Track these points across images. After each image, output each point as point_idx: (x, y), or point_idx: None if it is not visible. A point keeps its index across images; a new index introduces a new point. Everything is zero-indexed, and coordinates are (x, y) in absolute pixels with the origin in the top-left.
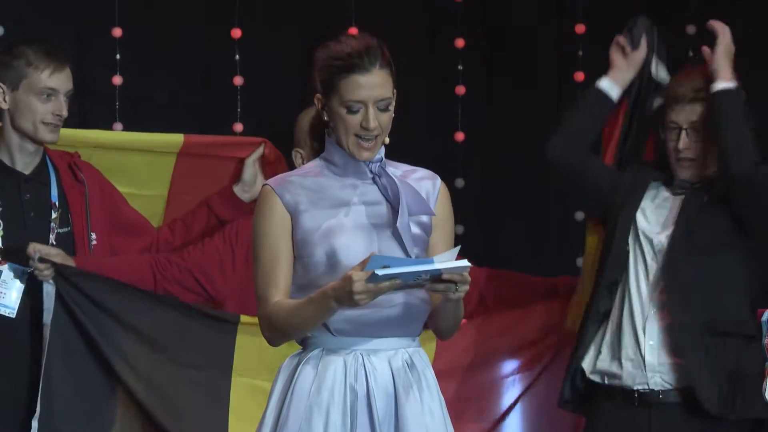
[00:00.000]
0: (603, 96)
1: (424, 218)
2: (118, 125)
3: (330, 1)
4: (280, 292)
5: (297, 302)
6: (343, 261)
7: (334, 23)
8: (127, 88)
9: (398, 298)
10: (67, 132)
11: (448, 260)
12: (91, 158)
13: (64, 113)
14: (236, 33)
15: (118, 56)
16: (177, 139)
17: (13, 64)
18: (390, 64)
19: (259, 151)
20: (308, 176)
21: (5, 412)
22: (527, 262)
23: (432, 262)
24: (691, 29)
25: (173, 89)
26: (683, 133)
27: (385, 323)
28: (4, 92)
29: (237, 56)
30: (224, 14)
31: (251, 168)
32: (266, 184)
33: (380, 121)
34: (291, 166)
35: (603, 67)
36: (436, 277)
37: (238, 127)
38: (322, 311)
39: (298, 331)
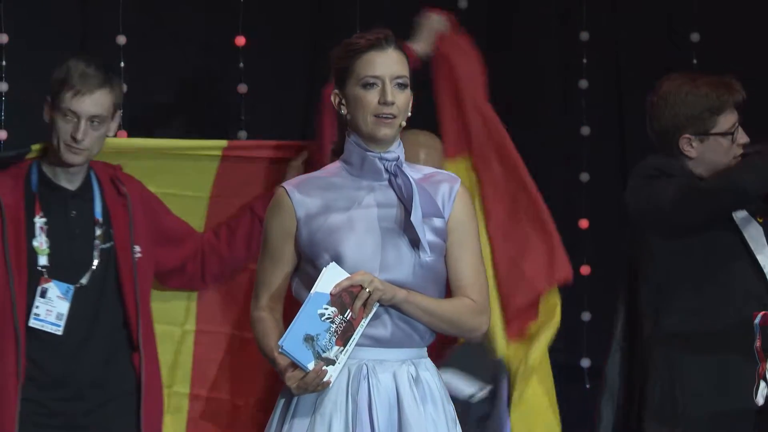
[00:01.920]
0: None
1: (439, 223)
2: (123, 133)
3: (334, 9)
4: (270, 296)
5: (268, 342)
6: (348, 265)
7: (339, 31)
8: (130, 95)
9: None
10: (110, 140)
11: (321, 279)
12: (136, 158)
13: (79, 137)
14: (240, 41)
15: (122, 64)
16: (220, 143)
17: (54, 78)
18: (406, 54)
19: (304, 155)
20: (324, 177)
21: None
22: None
23: (319, 292)
24: (695, 37)
25: (177, 97)
26: (739, 128)
27: (390, 335)
28: (50, 108)
29: (241, 64)
30: (228, 22)
31: (294, 171)
32: (281, 186)
33: (398, 100)
34: None
35: (606, 75)
36: (339, 300)
37: (242, 134)
38: (277, 372)
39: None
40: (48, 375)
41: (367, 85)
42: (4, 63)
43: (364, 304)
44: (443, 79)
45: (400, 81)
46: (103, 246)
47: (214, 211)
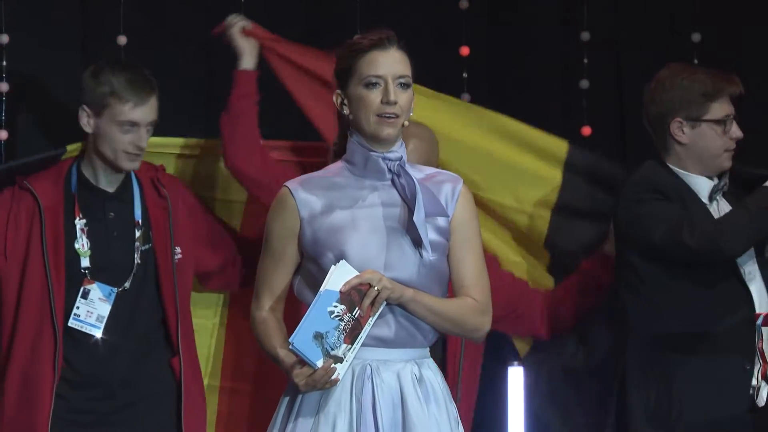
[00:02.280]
0: None
1: (442, 223)
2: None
3: (334, 7)
4: (272, 296)
5: (272, 342)
6: (352, 264)
7: (339, 29)
8: None
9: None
10: (154, 140)
11: (330, 276)
12: (176, 160)
13: (143, 145)
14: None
15: (125, 59)
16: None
17: (98, 90)
18: (408, 54)
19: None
20: (327, 176)
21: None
22: None
23: (329, 289)
24: (696, 37)
25: (178, 97)
26: (734, 122)
27: (394, 335)
28: (88, 116)
29: None
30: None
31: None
32: (285, 185)
33: (400, 100)
34: None
35: (608, 75)
36: (349, 298)
37: None
38: (280, 367)
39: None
40: (81, 375)
41: (369, 85)
42: (4, 63)
43: (372, 303)
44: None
45: (402, 81)
46: (143, 248)
47: (249, 214)
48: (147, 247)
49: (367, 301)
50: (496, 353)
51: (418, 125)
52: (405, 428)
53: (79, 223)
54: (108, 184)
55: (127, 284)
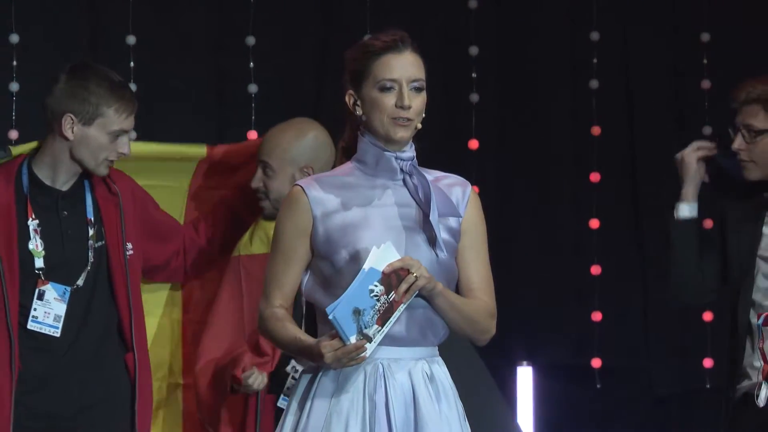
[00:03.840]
0: (687, 224)
1: (453, 224)
2: (132, 134)
3: (344, 8)
4: (283, 296)
5: (288, 330)
6: (365, 262)
7: (348, 30)
8: (141, 95)
9: (419, 307)
10: None
11: (374, 256)
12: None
13: (127, 151)
14: (250, 40)
15: (132, 63)
16: (200, 150)
17: (90, 100)
18: (422, 56)
19: None
20: (338, 176)
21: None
22: (541, 268)
23: (371, 269)
24: (705, 37)
25: (187, 96)
26: (739, 134)
27: (406, 333)
28: (73, 123)
29: (251, 63)
30: (238, 21)
31: None
32: (297, 184)
33: (414, 103)
34: None
35: (617, 75)
36: (388, 280)
37: (253, 134)
38: (303, 357)
39: (282, 349)
40: (38, 376)
41: (384, 89)
42: (14, 63)
43: (408, 289)
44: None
45: (416, 84)
46: (96, 245)
47: (193, 201)
48: (100, 244)
49: (404, 287)
50: (504, 353)
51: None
52: (417, 427)
53: (32, 223)
54: (63, 184)
55: (80, 282)
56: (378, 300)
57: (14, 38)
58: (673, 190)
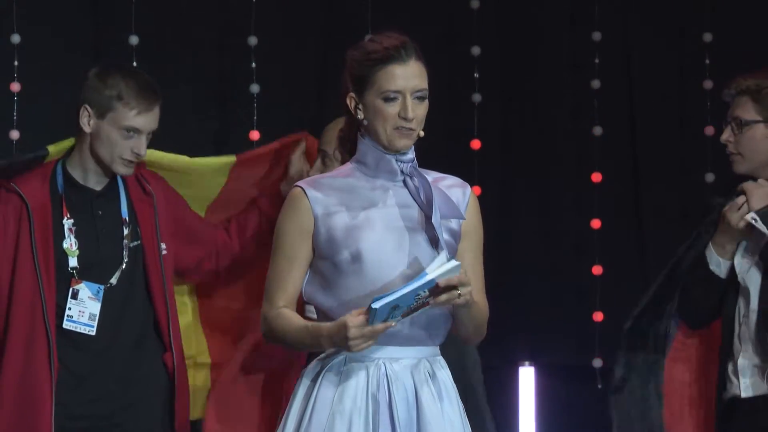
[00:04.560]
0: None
1: (454, 225)
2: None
3: (346, 7)
4: (287, 297)
5: (296, 324)
6: (368, 262)
7: (350, 30)
8: None
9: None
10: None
11: (438, 267)
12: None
13: (143, 152)
14: (252, 40)
15: (135, 64)
16: (229, 159)
17: (105, 93)
18: (424, 62)
19: (302, 146)
20: (339, 177)
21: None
22: (543, 269)
23: (425, 274)
24: (707, 37)
25: (189, 97)
26: (728, 126)
27: (408, 332)
28: (89, 116)
29: (253, 64)
30: (240, 21)
31: (297, 164)
32: (297, 185)
33: (417, 112)
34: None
35: (618, 76)
36: (435, 289)
37: (255, 134)
38: (314, 345)
39: (291, 347)
40: (75, 375)
41: (388, 99)
42: (16, 63)
43: (446, 301)
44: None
45: (419, 94)
46: (132, 244)
47: (222, 206)
48: (136, 243)
49: (444, 299)
50: (506, 353)
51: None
52: (420, 426)
53: (67, 222)
54: (96, 183)
55: (113, 280)
56: (417, 300)
57: (16, 38)
58: (673, 189)
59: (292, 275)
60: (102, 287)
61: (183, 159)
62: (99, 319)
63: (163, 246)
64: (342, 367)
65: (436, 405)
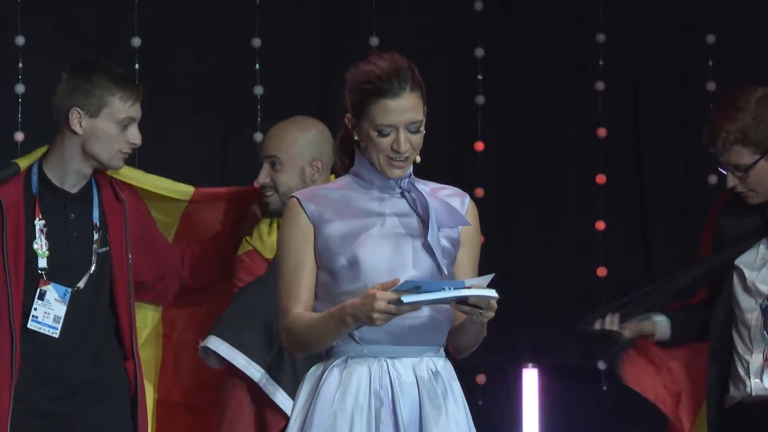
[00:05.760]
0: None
1: (453, 233)
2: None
3: (350, 10)
4: (301, 304)
5: (316, 316)
6: (365, 269)
7: (354, 32)
8: (146, 97)
9: (426, 311)
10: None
11: (479, 285)
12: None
13: (139, 141)
14: (256, 42)
15: (137, 65)
16: (189, 189)
17: (94, 92)
18: (421, 86)
19: (259, 199)
20: (335, 189)
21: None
22: (547, 270)
23: (462, 285)
24: (710, 39)
25: (192, 98)
26: (729, 174)
27: (409, 331)
28: (80, 118)
29: (257, 65)
30: (244, 23)
31: (252, 215)
32: (293, 196)
33: (411, 142)
34: None
35: (622, 77)
36: (462, 298)
37: (258, 136)
38: (339, 327)
39: (316, 345)
40: (39, 374)
41: (381, 133)
42: (20, 65)
43: (463, 311)
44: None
45: (413, 127)
46: (100, 250)
47: (179, 236)
48: (104, 249)
49: (466, 309)
50: (510, 355)
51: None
52: (423, 425)
53: (39, 223)
54: (72, 185)
55: (81, 284)
56: (440, 293)
57: (20, 40)
58: (677, 191)
59: (302, 284)
60: (69, 290)
61: (148, 177)
62: (63, 322)
63: (130, 256)
64: (344, 366)
65: (440, 403)
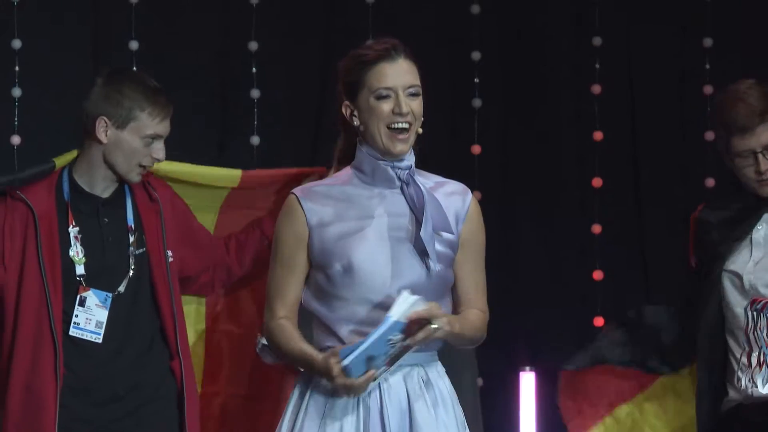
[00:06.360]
0: None
1: (449, 236)
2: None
3: (347, 12)
4: (286, 306)
5: (293, 344)
6: (360, 274)
7: (351, 35)
8: None
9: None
10: None
11: (400, 306)
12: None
13: (163, 156)
14: (253, 45)
15: (134, 69)
16: (234, 174)
17: (124, 103)
18: (415, 61)
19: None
20: (336, 185)
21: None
22: (544, 274)
23: (388, 318)
24: (707, 42)
25: (190, 102)
26: (760, 155)
27: None
28: (107, 127)
29: (254, 69)
30: (241, 26)
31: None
32: (292, 193)
33: (412, 107)
34: None
35: (619, 80)
36: (409, 328)
37: (255, 139)
38: (310, 370)
39: (287, 362)
40: (82, 380)
41: (380, 97)
42: (17, 68)
43: (422, 340)
44: None
45: (412, 90)
46: (137, 252)
47: (223, 222)
48: (141, 251)
49: (421, 336)
50: (507, 359)
51: None
52: None
53: (73, 230)
54: (103, 190)
55: (121, 288)
56: (393, 346)
57: (17, 44)
58: (674, 194)
59: (290, 283)
60: (110, 295)
61: (188, 167)
62: (106, 327)
63: (170, 253)
64: None
65: (430, 412)
